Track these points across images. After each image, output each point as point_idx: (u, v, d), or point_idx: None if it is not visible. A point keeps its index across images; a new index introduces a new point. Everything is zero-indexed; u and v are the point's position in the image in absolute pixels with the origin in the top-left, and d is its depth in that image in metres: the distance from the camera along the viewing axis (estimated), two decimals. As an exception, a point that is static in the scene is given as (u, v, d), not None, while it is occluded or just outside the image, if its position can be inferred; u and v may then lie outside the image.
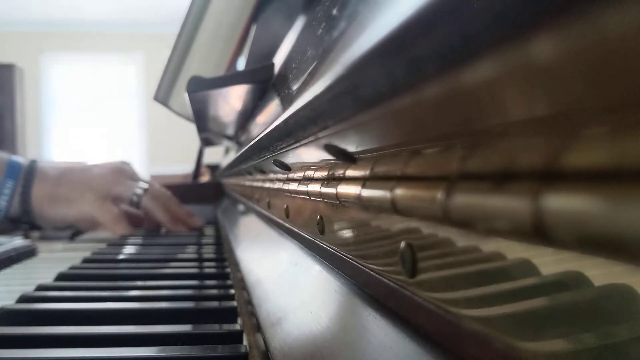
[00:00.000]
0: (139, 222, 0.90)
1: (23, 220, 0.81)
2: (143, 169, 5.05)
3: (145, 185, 0.87)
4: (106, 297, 0.42)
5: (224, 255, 0.62)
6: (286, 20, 0.55)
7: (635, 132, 0.07)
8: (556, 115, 0.09)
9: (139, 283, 0.49)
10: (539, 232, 0.09)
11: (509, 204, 0.10)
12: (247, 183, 0.64)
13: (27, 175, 0.81)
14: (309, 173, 0.29)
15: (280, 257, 0.41)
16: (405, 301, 0.18)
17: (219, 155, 1.64)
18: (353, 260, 0.24)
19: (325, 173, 0.25)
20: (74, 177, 0.83)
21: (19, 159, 0.83)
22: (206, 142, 1.17)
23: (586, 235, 0.08)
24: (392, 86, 0.13)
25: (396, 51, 0.12)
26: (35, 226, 0.88)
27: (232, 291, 0.43)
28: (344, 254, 0.25)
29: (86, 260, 0.60)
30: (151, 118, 4.94)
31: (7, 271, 0.56)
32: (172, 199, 0.92)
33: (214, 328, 0.34)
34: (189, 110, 0.66)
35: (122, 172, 0.87)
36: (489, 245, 0.13)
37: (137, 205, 0.85)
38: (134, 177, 0.89)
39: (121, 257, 0.63)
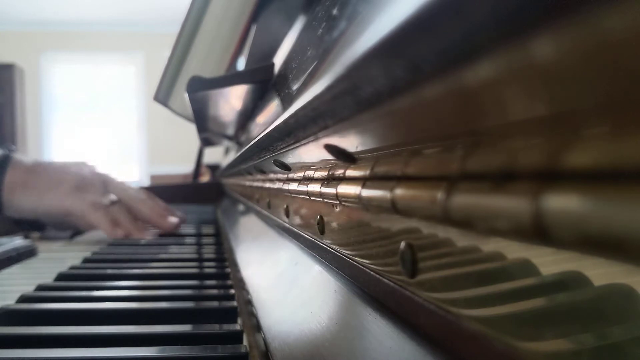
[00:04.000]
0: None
1: None
2: (143, 169, 5.06)
3: (114, 198, 0.84)
4: (106, 297, 0.42)
5: (224, 255, 0.62)
6: (286, 20, 0.55)
7: (635, 132, 0.07)
8: (556, 115, 0.09)
9: (139, 283, 0.49)
10: (539, 232, 0.09)
11: (509, 204, 0.10)
12: (247, 183, 0.64)
13: (1, 162, 0.79)
14: (309, 173, 0.29)
15: (280, 257, 0.41)
16: (405, 301, 0.18)
17: (219, 155, 1.64)
18: (353, 260, 0.24)
19: (325, 173, 0.25)
20: (48, 169, 0.82)
21: None
22: (206, 142, 1.17)
23: (586, 235, 0.08)
24: (392, 86, 0.13)
25: (396, 51, 0.12)
26: (35, 227, 0.87)
27: (232, 291, 0.43)
28: (344, 254, 0.25)
29: (86, 260, 0.60)
30: (151, 118, 4.94)
31: (7, 271, 0.56)
32: (152, 199, 0.89)
33: (214, 328, 0.34)
34: (189, 110, 0.66)
35: (100, 178, 0.86)
36: (489, 245, 0.13)
37: (118, 202, 0.83)
38: (107, 176, 0.87)
39: (121, 257, 0.63)
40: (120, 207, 0.83)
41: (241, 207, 0.83)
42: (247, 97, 0.51)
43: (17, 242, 0.68)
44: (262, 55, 0.64)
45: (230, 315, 0.37)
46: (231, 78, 0.52)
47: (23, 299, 0.40)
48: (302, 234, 0.35)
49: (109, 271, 0.54)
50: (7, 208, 0.80)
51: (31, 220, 0.83)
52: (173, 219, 0.86)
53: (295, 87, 0.28)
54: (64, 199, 0.79)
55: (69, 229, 0.87)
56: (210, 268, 0.57)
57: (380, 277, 0.20)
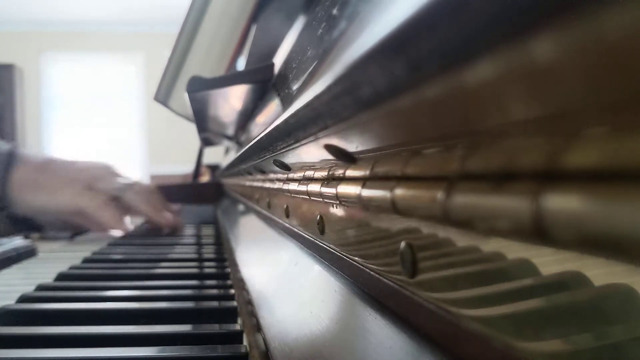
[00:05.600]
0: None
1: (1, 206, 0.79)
2: (143, 169, 5.06)
3: (129, 181, 0.85)
4: (106, 297, 0.42)
5: (224, 255, 0.62)
6: (286, 20, 0.55)
7: (635, 132, 0.07)
8: (556, 115, 0.09)
9: (139, 283, 0.49)
10: (539, 232, 0.09)
11: (509, 204, 0.10)
12: (247, 183, 0.64)
13: (8, 158, 0.79)
14: (309, 173, 0.29)
15: (281, 257, 0.41)
16: (405, 301, 0.18)
17: (219, 155, 1.64)
18: (353, 260, 0.24)
19: (325, 173, 0.25)
20: (58, 167, 0.82)
21: None
22: (206, 142, 1.17)
23: (586, 235, 0.08)
24: (392, 86, 0.13)
25: (396, 51, 0.12)
26: (34, 228, 0.86)
27: (232, 291, 0.43)
28: (344, 254, 0.25)
29: (86, 260, 0.60)
30: (151, 118, 4.94)
31: (7, 271, 0.56)
32: (157, 196, 0.89)
33: (214, 328, 0.34)
34: (189, 110, 0.66)
35: (107, 169, 0.86)
36: (489, 245, 0.13)
37: (118, 199, 0.82)
38: (117, 175, 0.87)
39: (121, 257, 0.63)
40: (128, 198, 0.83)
41: (241, 207, 0.83)
42: (247, 97, 0.51)
43: (17, 242, 0.68)
44: (262, 55, 0.64)
45: (230, 315, 0.37)
46: (231, 78, 0.52)
47: (23, 299, 0.40)
48: (302, 234, 0.35)
49: (109, 271, 0.54)
50: (16, 206, 0.79)
51: (31, 220, 0.83)
52: (168, 216, 0.86)
53: (295, 87, 0.28)
54: (75, 197, 0.79)
55: (71, 229, 0.87)
56: (210, 268, 0.57)
57: (380, 277, 0.20)
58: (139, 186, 0.86)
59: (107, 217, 0.79)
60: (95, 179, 0.82)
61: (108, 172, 0.85)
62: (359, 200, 0.20)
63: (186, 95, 0.53)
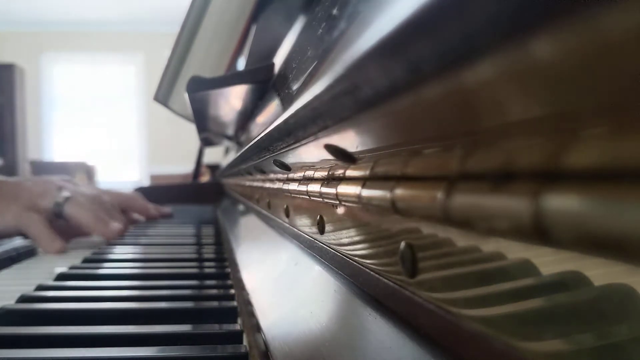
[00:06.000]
0: (78, 234, 0.84)
1: None
2: (143, 169, 5.06)
3: (68, 194, 0.82)
4: (106, 297, 0.42)
5: (224, 255, 0.62)
6: (286, 20, 0.55)
7: (635, 132, 0.07)
8: (556, 115, 0.09)
9: (139, 283, 0.49)
10: (539, 232, 0.09)
11: (509, 204, 0.10)
12: (247, 183, 0.64)
13: None
14: (309, 173, 0.29)
15: (280, 257, 0.41)
16: (405, 301, 0.18)
17: (219, 155, 1.64)
18: (353, 260, 0.24)
19: (325, 173, 0.25)
20: (3, 192, 0.81)
21: None
22: (206, 142, 1.17)
23: (586, 235, 0.08)
24: (392, 86, 0.13)
25: (396, 51, 0.12)
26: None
27: (232, 291, 0.43)
28: (344, 254, 0.25)
29: (86, 260, 0.60)
30: (151, 118, 4.94)
31: (7, 271, 0.56)
32: (102, 205, 0.85)
33: (214, 328, 0.34)
34: (189, 110, 0.66)
35: (50, 184, 0.82)
36: (489, 245, 0.13)
37: (60, 214, 0.79)
38: (61, 188, 0.82)
39: (121, 256, 0.63)
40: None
41: (241, 207, 0.83)
42: (247, 97, 0.51)
43: (17, 242, 0.68)
44: (262, 55, 0.64)
45: (230, 315, 0.37)
46: (231, 78, 0.52)
47: (23, 299, 0.40)
48: (302, 234, 0.35)
49: (109, 271, 0.54)
50: None
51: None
52: (115, 226, 0.82)
53: (295, 87, 0.28)
54: (14, 219, 0.77)
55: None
56: (210, 268, 0.57)
57: (380, 277, 0.20)
58: (82, 197, 0.82)
59: (42, 236, 0.77)
60: (36, 196, 0.80)
61: (51, 188, 0.82)
62: (359, 200, 0.20)
63: (186, 95, 0.53)
